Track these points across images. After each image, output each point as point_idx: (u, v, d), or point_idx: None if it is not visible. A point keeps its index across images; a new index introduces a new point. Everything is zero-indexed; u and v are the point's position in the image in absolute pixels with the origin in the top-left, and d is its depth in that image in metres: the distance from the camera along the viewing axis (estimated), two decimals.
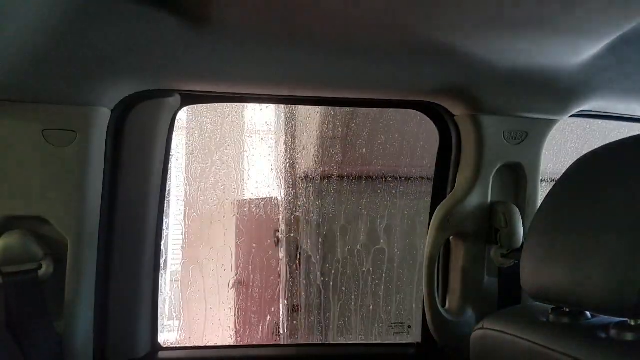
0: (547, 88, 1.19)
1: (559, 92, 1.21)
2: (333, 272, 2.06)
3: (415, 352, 1.39)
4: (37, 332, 1.03)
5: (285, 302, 2.02)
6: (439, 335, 1.28)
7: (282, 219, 2.07)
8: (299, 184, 2.05)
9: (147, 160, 1.19)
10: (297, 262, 2.06)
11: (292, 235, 2.05)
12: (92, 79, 1.02)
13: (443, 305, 1.31)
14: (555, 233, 0.80)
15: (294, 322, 2.01)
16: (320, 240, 2.06)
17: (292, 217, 2.06)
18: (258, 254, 2.04)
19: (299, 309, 2.02)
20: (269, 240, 2.06)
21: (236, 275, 2.00)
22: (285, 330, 2.02)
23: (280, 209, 2.07)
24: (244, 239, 1.99)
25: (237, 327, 1.99)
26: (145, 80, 1.08)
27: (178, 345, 1.65)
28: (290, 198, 2.06)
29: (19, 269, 1.02)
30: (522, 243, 1.21)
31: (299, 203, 2.06)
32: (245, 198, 2.03)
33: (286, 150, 2.04)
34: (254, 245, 2.03)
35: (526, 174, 1.28)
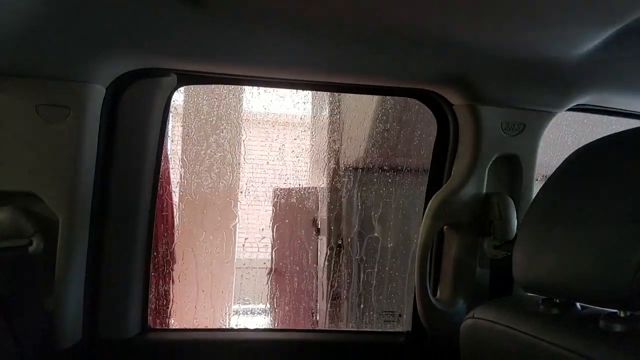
0: (546, 80, 1.19)
1: (558, 85, 1.21)
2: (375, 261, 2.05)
3: (405, 341, 1.39)
4: (27, 308, 1.03)
5: (326, 290, 2.01)
6: (429, 325, 1.29)
7: (322, 208, 2.04)
8: (340, 174, 2.03)
9: (141, 140, 1.18)
10: (338, 250, 2.05)
11: (333, 224, 2.04)
12: (87, 54, 1.01)
13: (434, 295, 1.32)
14: (547, 225, 0.80)
15: (335, 310, 2.01)
16: (359, 229, 2.04)
17: (333, 206, 2.04)
18: (298, 243, 2.03)
19: (341, 297, 2.01)
20: (308, 230, 2.04)
21: (275, 263, 1.99)
22: (326, 319, 2.01)
23: (320, 198, 2.06)
24: (282, 226, 1.98)
25: (276, 313, 1.99)
26: (140, 58, 1.07)
27: (168, 327, 1.65)
28: (329, 187, 2.04)
29: (8, 244, 1.02)
30: (515, 235, 1.21)
31: (339, 193, 2.04)
32: (284, 187, 2.02)
33: (328, 140, 2.02)
34: (293, 232, 2.02)
35: (522, 166, 1.28)
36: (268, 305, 1.97)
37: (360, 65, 1.16)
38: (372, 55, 1.12)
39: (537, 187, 1.27)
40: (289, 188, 2.02)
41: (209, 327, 1.71)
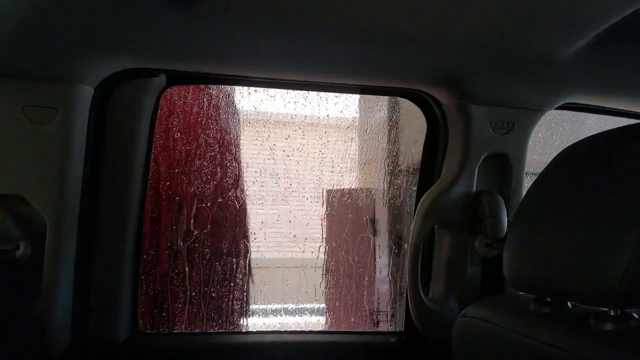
0: (535, 79, 1.20)
1: (546, 83, 1.22)
2: None
3: (398, 340, 1.39)
4: (14, 314, 1.01)
5: (389, 291, 1.98)
6: (422, 324, 1.29)
7: (379, 209, 2.01)
8: (400, 175, 2.01)
9: (130, 141, 1.16)
10: (397, 251, 2.03)
11: (392, 225, 2.01)
12: (75, 55, 1.00)
13: (426, 294, 1.32)
14: (538, 223, 0.80)
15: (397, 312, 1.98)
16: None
17: (392, 207, 2.01)
18: (353, 243, 2.00)
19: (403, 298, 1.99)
20: (363, 230, 2.01)
21: (329, 263, 1.97)
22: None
23: (376, 199, 2.03)
24: (335, 227, 1.95)
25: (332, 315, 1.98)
26: (129, 58, 1.06)
27: (158, 331, 1.63)
28: (388, 188, 2.01)
29: None
30: (506, 233, 1.22)
31: (398, 194, 2.01)
32: (337, 187, 2.00)
33: (388, 141, 1.99)
34: (348, 233, 1.99)
35: (512, 164, 1.29)
36: (324, 306, 1.96)
37: (349, 65, 1.16)
38: (361, 55, 1.12)
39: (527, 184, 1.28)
40: (343, 189, 2.00)
41: (200, 331, 1.69)
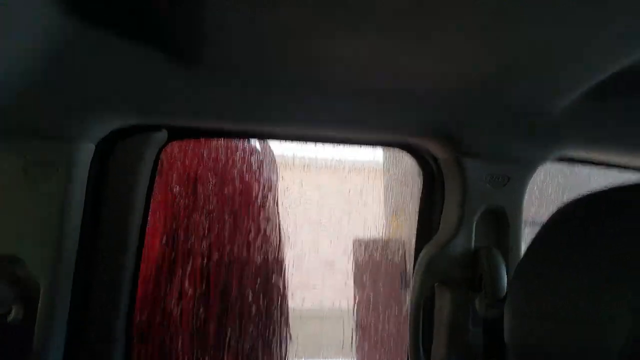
0: (529, 132, 1.20)
1: (541, 137, 1.22)
2: None
3: None
4: None
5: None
6: None
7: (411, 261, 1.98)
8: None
9: (129, 199, 1.15)
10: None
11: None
12: (77, 113, 0.99)
13: (427, 357, 1.28)
14: (537, 286, 0.77)
15: None
16: None
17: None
18: (384, 297, 1.94)
19: None
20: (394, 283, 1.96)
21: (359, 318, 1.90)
22: None
23: (408, 249, 1.98)
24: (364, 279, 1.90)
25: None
26: (131, 115, 1.06)
27: None
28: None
29: None
30: (506, 293, 1.19)
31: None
32: (364, 238, 1.95)
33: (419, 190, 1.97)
34: (377, 285, 1.94)
35: (508, 218, 1.27)
36: None
37: (346, 119, 1.17)
38: (357, 109, 1.12)
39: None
40: (371, 239, 1.95)
41: None
